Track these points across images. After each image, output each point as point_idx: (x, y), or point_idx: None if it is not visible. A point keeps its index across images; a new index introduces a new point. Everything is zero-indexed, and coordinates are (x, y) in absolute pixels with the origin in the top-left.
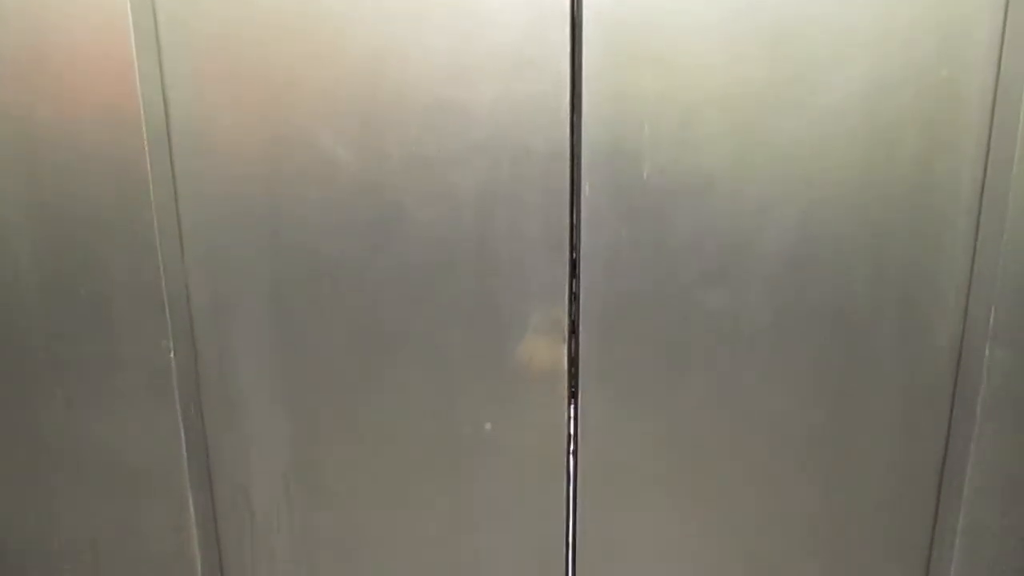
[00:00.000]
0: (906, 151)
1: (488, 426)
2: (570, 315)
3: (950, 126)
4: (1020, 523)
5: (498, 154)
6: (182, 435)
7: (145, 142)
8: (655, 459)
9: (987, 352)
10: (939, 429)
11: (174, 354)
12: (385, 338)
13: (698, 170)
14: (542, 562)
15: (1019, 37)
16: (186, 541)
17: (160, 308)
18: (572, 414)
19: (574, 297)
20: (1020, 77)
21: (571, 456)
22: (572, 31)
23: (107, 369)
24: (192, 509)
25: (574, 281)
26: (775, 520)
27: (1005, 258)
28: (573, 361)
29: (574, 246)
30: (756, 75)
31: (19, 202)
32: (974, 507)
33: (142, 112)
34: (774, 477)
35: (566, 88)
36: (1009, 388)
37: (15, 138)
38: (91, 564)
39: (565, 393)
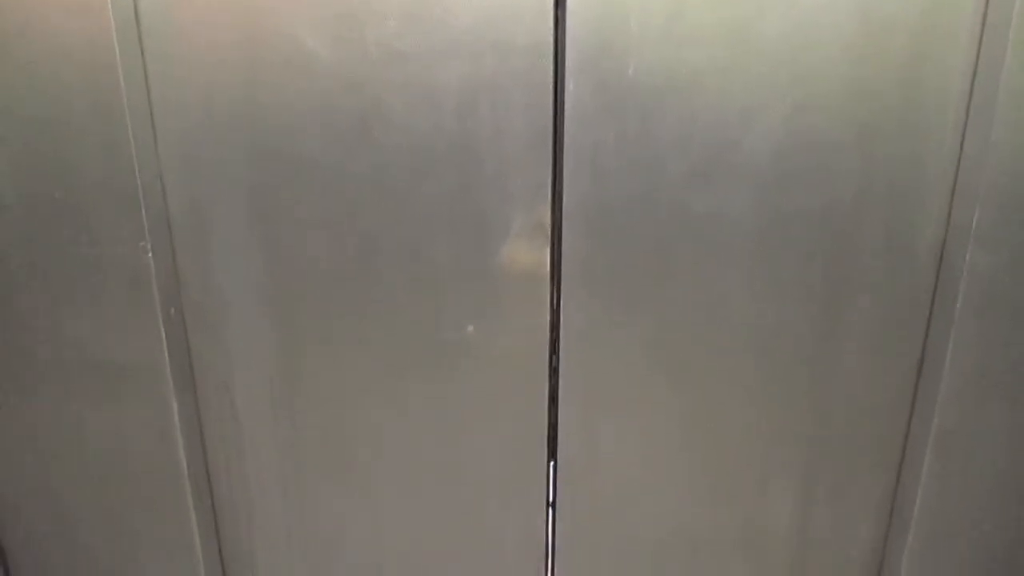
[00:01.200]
0: (896, 50)
1: (470, 329)
2: (553, 217)
3: (941, 26)
4: (992, 427)
5: (480, 50)
6: (164, 338)
7: (114, 37)
8: (637, 362)
9: (968, 255)
10: (917, 332)
11: (152, 256)
12: (366, 240)
13: (685, 67)
14: (524, 462)
15: None
16: (171, 444)
17: (136, 208)
18: (555, 317)
19: (557, 198)
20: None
21: (553, 359)
22: None
23: (86, 272)
24: (176, 412)
25: (557, 182)
26: (754, 422)
27: (991, 161)
28: (556, 264)
29: (558, 145)
30: None
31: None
32: (948, 410)
33: (110, 4)
34: (755, 379)
35: None
36: (988, 292)
37: None
38: (76, 468)
39: (548, 296)
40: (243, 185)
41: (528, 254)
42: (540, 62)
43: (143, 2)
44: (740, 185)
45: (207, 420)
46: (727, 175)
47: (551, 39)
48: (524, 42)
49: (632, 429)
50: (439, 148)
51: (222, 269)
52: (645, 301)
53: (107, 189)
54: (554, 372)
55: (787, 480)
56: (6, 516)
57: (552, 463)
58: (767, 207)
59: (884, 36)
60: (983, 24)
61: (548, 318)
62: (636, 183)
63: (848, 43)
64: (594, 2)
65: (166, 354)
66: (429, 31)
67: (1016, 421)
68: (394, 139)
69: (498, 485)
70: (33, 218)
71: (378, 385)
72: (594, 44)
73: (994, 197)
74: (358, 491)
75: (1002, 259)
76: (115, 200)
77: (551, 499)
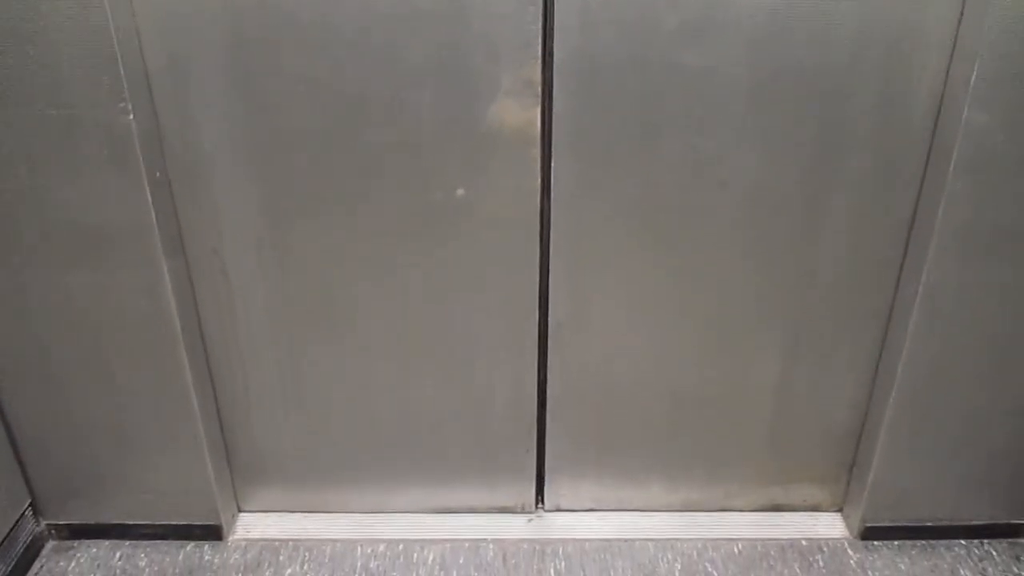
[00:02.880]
0: None
1: (460, 191)
2: (543, 75)
3: None
4: (981, 284)
5: None
6: (150, 200)
7: None
8: (627, 221)
9: (965, 113)
10: (910, 189)
11: (133, 116)
12: (351, 99)
13: None
14: (515, 322)
15: None
16: (163, 304)
17: (114, 67)
18: (545, 177)
19: (547, 55)
20: None
21: (544, 219)
22: None
23: (67, 133)
24: (167, 274)
25: (547, 38)
26: (741, 280)
27: (990, 20)
28: (547, 123)
29: (548, 1)
30: None
31: None
32: (937, 267)
33: None
34: (743, 238)
35: None
36: (982, 150)
37: None
38: (70, 331)
39: (538, 156)
40: (224, 41)
41: (518, 113)
42: None
43: None
44: (733, 40)
45: (198, 281)
46: (720, 30)
47: None
48: None
49: (621, 288)
50: (426, 4)
51: (206, 129)
52: (636, 160)
53: (83, 47)
54: (545, 231)
55: (774, 336)
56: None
57: (543, 322)
58: (760, 63)
59: None
60: None
61: (539, 178)
62: (627, 39)
63: None
64: None
65: (153, 216)
66: None
67: (1004, 278)
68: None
69: (489, 344)
70: (7, 79)
71: (367, 246)
72: None
73: (993, 55)
74: (349, 349)
75: (998, 117)
76: (91, 58)
77: (541, 358)
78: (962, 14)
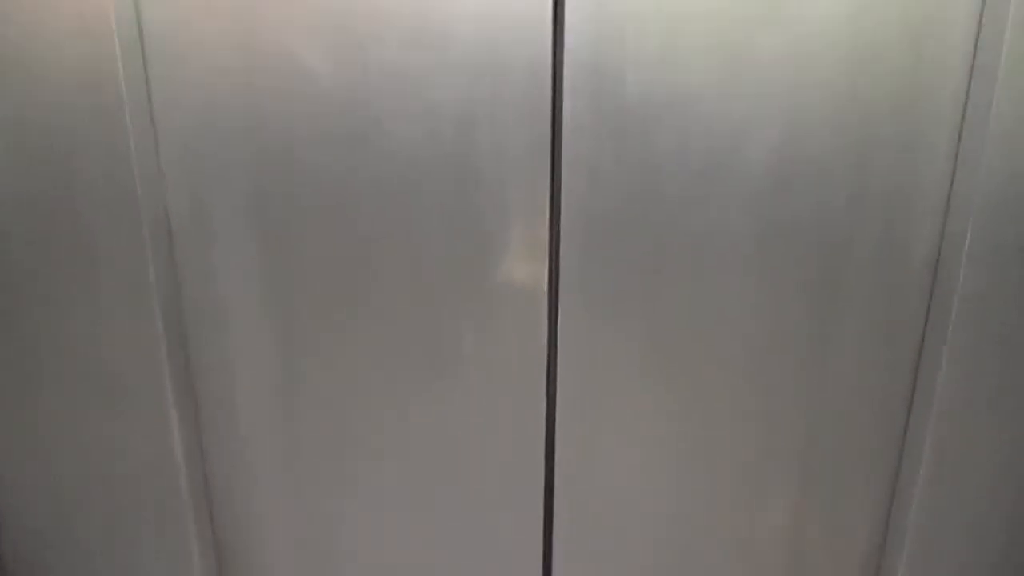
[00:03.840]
0: (890, 68)
1: (468, 342)
2: (551, 231)
3: (934, 43)
4: (987, 439)
5: (479, 70)
6: (163, 346)
7: (118, 49)
8: (634, 375)
9: (962, 271)
10: (912, 345)
11: (152, 263)
12: (365, 254)
13: (681, 87)
14: (522, 473)
15: None
16: (169, 454)
17: (135, 213)
18: (552, 331)
19: (555, 213)
20: (1001, 22)
21: (551, 372)
22: None
23: (84, 278)
24: (176, 424)
25: (555, 197)
26: (750, 433)
27: (985, 178)
28: (554, 278)
29: (556, 161)
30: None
31: None
32: (943, 423)
33: (114, 18)
34: (750, 391)
35: (548, 3)
36: (981, 309)
37: None
38: (74, 473)
39: (545, 310)
40: (243, 193)
41: (526, 268)
42: (538, 83)
43: (146, 16)
44: (735, 200)
45: (206, 429)
46: (722, 190)
47: (549, 61)
48: (523, 64)
49: (630, 443)
50: (437, 162)
51: (222, 278)
52: (642, 314)
53: (106, 193)
54: (551, 386)
55: (783, 489)
56: (3, 520)
57: (549, 477)
58: (762, 221)
59: (878, 55)
60: (976, 40)
61: (546, 332)
62: (633, 198)
63: (842, 61)
64: (591, 24)
65: (165, 362)
66: (429, 50)
67: (1010, 434)
68: (392, 152)
69: (496, 497)
70: (30, 220)
71: (377, 397)
72: (591, 65)
73: (987, 214)
74: (357, 499)
75: (995, 276)
76: (114, 205)
77: (548, 512)
78: (954, 174)
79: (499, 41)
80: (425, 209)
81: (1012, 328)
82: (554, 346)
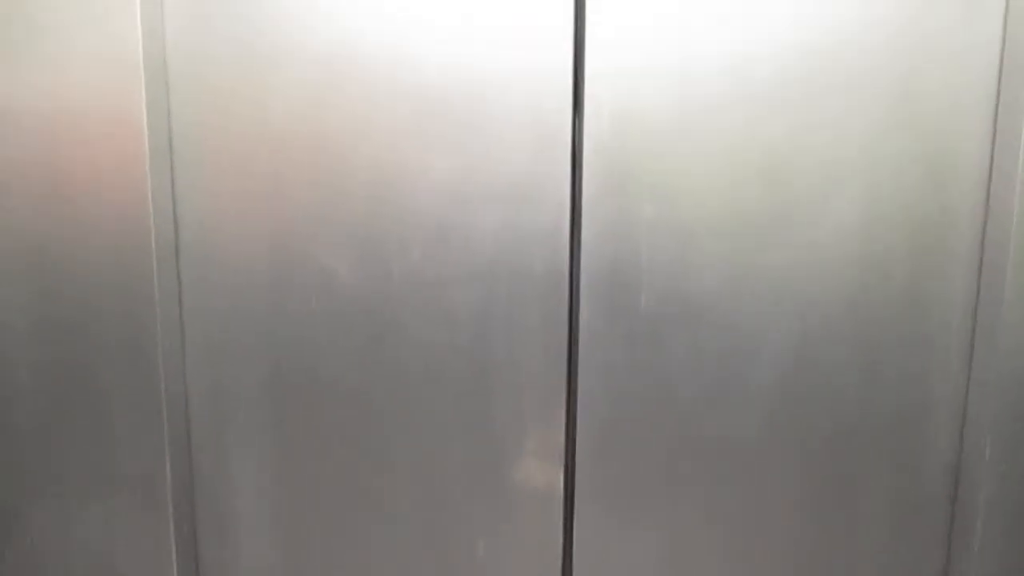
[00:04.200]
0: (898, 279)
1: (481, 547)
2: (567, 437)
3: (942, 254)
4: None
5: (498, 279)
6: (174, 554)
7: (153, 243)
8: (651, 571)
9: (984, 484)
10: (937, 558)
11: (170, 468)
12: (379, 454)
13: (695, 297)
14: None
15: (1007, 168)
16: None
17: (158, 421)
18: (567, 537)
19: (571, 419)
20: (1008, 207)
21: (566, 572)
22: (573, 158)
23: (103, 482)
24: None
25: (571, 404)
26: None
27: (1000, 387)
28: (569, 484)
29: (571, 370)
30: (752, 204)
31: (24, 315)
32: None
33: (152, 213)
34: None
35: (566, 215)
36: (1007, 522)
37: (27, 252)
38: None
39: (560, 515)
40: (262, 385)
41: (541, 472)
42: (555, 292)
43: (181, 212)
44: (749, 405)
45: None
46: (736, 398)
47: (567, 271)
48: (541, 274)
49: None
50: (455, 365)
51: (237, 481)
52: (658, 519)
53: (131, 401)
54: None
55: None
56: None
57: None
58: (776, 426)
59: (887, 264)
60: (981, 251)
61: (561, 537)
62: (647, 405)
63: (851, 268)
64: (608, 237)
65: (175, 569)
66: (450, 261)
67: None
68: (412, 357)
69: None
70: (55, 427)
71: None
72: (607, 276)
73: (1005, 424)
74: None
75: (1018, 489)
76: (138, 412)
77: None
78: (968, 382)
79: (519, 252)
80: (441, 411)
81: None
82: (569, 551)
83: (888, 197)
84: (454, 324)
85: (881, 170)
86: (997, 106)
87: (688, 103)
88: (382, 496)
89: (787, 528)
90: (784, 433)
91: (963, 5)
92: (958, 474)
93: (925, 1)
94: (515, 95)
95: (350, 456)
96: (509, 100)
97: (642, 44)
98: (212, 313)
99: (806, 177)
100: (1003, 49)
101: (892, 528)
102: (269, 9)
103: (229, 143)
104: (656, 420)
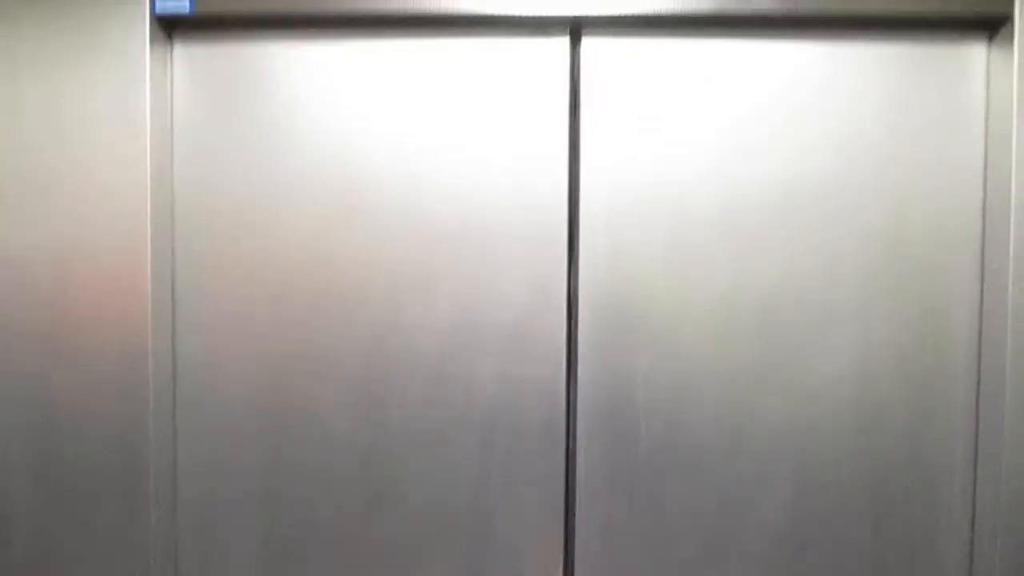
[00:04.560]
0: (897, 426)
1: None
2: None
3: (939, 400)
4: None
5: (496, 429)
6: None
7: (151, 404)
8: None
9: None
10: None
11: None
12: None
13: (692, 449)
14: None
15: (998, 311)
16: None
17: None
18: None
19: (570, 570)
20: (1001, 348)
21: None
22: (569, 309)
23: None
24: None
25: (568, 557)
26: None
27: (1005, 535)
28: None
29: (569, 520)
30: (747, 351)
31: (23, 459)
32: None
33: (150, 373)
34: None
35: (562, 366)
36: None
37: (25, 391)
38: None
39: None
40: (252, 533)
41: None
42: (553, 442)
43: (181, 365)
44: (748, 557)
45: None
46: (736, 546)
47: (563, 421)
48: (538, 424)
49: None
50: (451, 519)
51: None
52: None
53: (122, 538)
54: None
55: None
56: None
57: None
58: None
59: (883, 410)
60: (978, 393)
61: None
62: (647, 556)
63: (847, 418)
64: (604, 386)
65: None
66: (448, 410)
67: None
68: (409, 509)
69: None
70: (47, 563)
71: None
72: (604, 425)
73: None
74: None
75: None
76: (128, 560)
77: None
78: (973, 536)
79: (516, 402)
80: (437, 565)
81: None
82: None
83: (882, 341)
84: (451, 477)
85: (874, 313)
86: (983, 243)
87: (681, 250)
88: None
89: None
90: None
91: (946, 143)
92: None
93: (908, 143)
94: (513, 245)
95: None
96: (508, 249)
97: (635, 193)
98: (206, 466)
99: (800, 322)
100: (985, 185)
101: None
102: (273, 164)
103: (230, 288)
104: (656, 570)
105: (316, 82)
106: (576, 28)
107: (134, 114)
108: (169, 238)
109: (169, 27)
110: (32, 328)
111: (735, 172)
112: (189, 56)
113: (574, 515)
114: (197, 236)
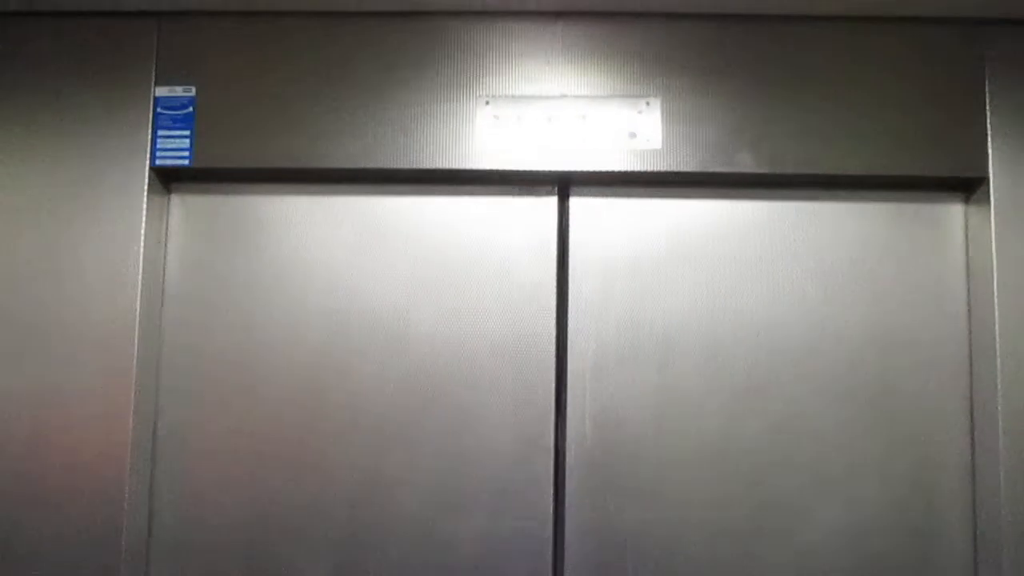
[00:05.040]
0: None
1: None
2: None
3: (934, 550)
4: None
5: None
6: None
7: (123, 547)
8: None
9: None
10: None
11: None
12: None
13: None
14: None
15: (989, 461)
16: None
17: None
18: None
19: None
20: (995, 497)
21: None
22: (556, 462)
23: None
24: None
25: None
26: None
27: None
28: None
29: None
30: (735, 511)
31: None
32: None
33: (125, 517)
34: None
35: (549, 521)
36: None
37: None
38: None
39: None
40: None
41: None
42: None
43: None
44: None
45: None
46: None
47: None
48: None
49: None
50: None
51: None
52: None
53: None
54: None
55: None
56: None
57: None
58: None
59: (878, 567)
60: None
61: None
62: None
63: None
64: (592, 541)
65: None
66: (432, 568)
67: None
68: None
69: None
70: None
71: None
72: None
73: None
74: None
75: None
76: None
77: None
78: None
79: (503, 558)
80: None
81: None
82: None
83: (872, 500)
84: None
85: (865, 466)
86: (971, 394)
87: (667, 406)
88: None
89: None
90: None
91: (929, 298)
92: None
93: (891, 297)
94: (501, 399)
95: None
96: (495, 403)
97: (621, 340)
98: None
99: (788, 481)
100: (970, 338)
101: None
102: (261, 317)
103: (211, 441)
104: None
105: (310, 234)
106: (564, 185)
107: (126, 266)
108: (153, 388)
109: (168, 178)
110: (8, 471)
111: (722, 323)
112: (186, 206)
113: None
114: (182, 386)
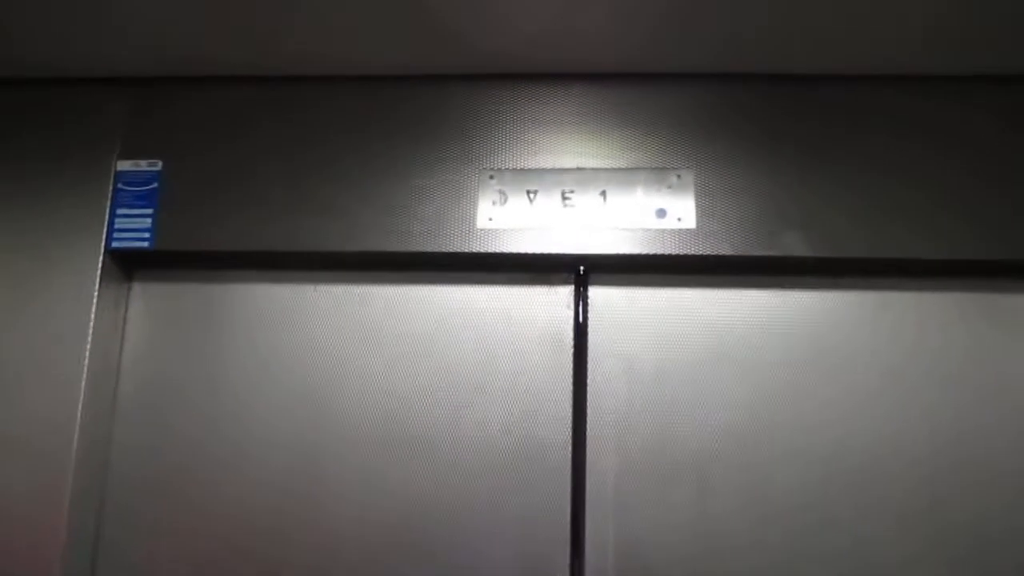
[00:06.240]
0: None
1: None
2: None
3: None
4: None
5: None
6: None
7: None
8: None
9: None
10: None
11: None
12: None
13: None
14: None
15: None
16: None
17: None
18: None
19: None
20: None
21: None
22: None
23: None
24: None
25: None
26: None
27: None
28: None
29: None
30: None
31: None
32: None
33: None
34: None
35: None
36: None
37: None
38: None
39: None
40: None
41: None
42: None
43: None
44: None
45: None
46: None
47: None
48: None
49: None
50: None
51: None
52: None
53: None
54: None
55: None
56: None
57: None
58: None
59: None
60: None
61: None
62: None
63: None
64: None
65: None
66: None
67: None
68: None
69: None
70: None
71: None
72: None
73: None
74: None
75: None
76: None
77: None
78: None
79: None
80: None
81: None
82: None
83: None
84: None
85: None
86: None
87: (704, 541)
88: None
89: None
90: None
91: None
92: None
93: (983, 414)
94: (504, 527)
95: None
96: (497, 532)
97: (647, 467)
98: None
99: None
100: None
101: None
102: (223, 417)
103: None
104: None
105: (285, 329)
106: (582, 272)
107: (71, 367)
108: (95, 496)
109: (128, 263)
110: None
111: (768, 441)
112: (147, 294)
113: None
114: (128, 512)
